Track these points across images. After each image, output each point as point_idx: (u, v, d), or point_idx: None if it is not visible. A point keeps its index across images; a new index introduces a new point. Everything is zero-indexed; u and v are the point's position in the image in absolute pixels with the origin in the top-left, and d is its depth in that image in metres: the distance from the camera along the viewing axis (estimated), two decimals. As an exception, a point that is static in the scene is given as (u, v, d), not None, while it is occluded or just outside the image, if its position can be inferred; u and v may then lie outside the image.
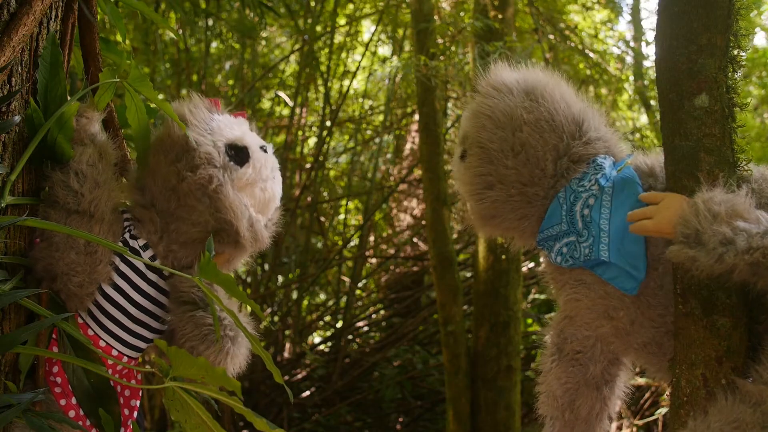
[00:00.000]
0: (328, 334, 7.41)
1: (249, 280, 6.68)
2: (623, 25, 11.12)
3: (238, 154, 1.64)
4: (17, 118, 1.45)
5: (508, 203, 1.70)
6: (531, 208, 1.70)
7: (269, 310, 6.87)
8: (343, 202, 8.01)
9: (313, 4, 6.65)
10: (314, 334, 7.64)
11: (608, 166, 1.66)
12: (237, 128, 1.70)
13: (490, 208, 1.71)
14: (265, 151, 1.72)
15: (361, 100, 8.12)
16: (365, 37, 7.85)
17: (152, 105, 1.85)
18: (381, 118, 7.93)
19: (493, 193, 1.69)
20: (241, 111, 1.78)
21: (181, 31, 6.24)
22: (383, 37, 7.61)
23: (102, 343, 1.58)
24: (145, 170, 1.66)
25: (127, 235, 1.61)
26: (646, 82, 6.43)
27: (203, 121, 1.64)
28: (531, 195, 1.68)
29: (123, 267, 1.59)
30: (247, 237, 1.64)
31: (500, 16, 4.58)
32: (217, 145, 1.62)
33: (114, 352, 1.59)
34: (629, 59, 6.91)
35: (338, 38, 7.27)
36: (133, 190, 1.67)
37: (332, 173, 8.32)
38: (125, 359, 1.63)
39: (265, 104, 7.83)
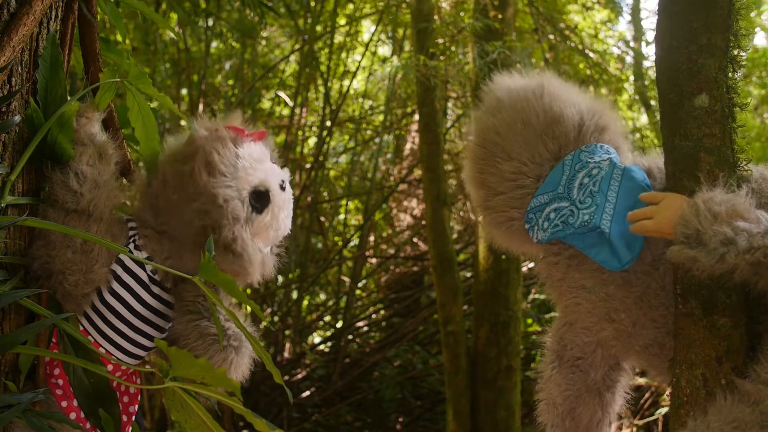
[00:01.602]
0: (328, 334, 7.41)
1: (249, 280, 6.67)
2: (623, 25, 11.11)
3: (260, 200, 1.62)
4: (17, 118, 1.44)
5: (531, 143, 1.66)
6: (546, 149, 1.66)
7: (269, 310, 6.87)
8: (343, 202, 8.01)
9: (313, 4, 6.65)
10: (314, 334, 7.64)
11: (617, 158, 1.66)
12: (260, 166, 1.64)
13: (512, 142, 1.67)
14: (284, 188, 1.69)
15: (361, 100, 8.13)
16: (365, 37, 7.85)
17: (152, 105, 1.84)
18: (381, 118, 7.93)
19: (521, 126, 1.67)
20: (260, 130, 1.71)
21: (181, 31, 6.24)
22: (383, 37, 7.61)
23: (101, 350, 1.57)
24: (153, 178, 1.64)
25: (131, 246, 1.61)
26: (646, 82, 6.43)
27: (231, 165, 1.59)
28: (557, 134, 1.65)
29: (126, 277, 1.59)
30: (257, 275, 1.66)
31: (500, 16, 4.58)
32: (242, 196, 1.58)
33: (113, 360, 1.59)
34: (629, 59, 6.91)
35: (338, 38, 7.27)
36: (145, 209, 1.64)
37: (332, 173, 8.32)
38: (123, 367, 1.62)
39: (265, 104, 7.83)
